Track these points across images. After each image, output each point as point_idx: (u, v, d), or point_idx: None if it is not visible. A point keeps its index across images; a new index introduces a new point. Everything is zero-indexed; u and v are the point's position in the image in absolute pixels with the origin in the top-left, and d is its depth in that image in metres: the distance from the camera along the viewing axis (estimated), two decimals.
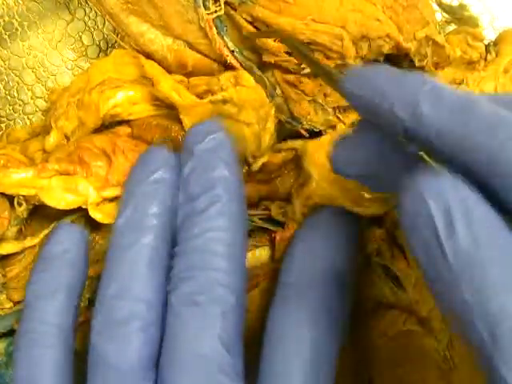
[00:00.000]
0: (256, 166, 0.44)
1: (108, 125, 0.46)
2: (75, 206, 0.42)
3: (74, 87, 0.47)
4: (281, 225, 0.47)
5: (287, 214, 0.46)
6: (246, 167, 0.44)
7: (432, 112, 0.27)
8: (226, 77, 0.43)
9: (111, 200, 0.42)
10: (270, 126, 0.43)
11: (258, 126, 0.43)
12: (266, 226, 0.47)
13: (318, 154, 0.44)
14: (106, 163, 0.42)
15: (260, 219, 0.48)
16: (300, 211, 0.45)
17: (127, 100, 0.44)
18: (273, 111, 0.44)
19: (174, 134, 0.43)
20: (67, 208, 0.42)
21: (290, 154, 0.46)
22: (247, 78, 0.43)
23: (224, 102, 0.42)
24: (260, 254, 0.47)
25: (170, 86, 0.42)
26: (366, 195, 0.41)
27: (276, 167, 0.45)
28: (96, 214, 0.42)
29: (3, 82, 0.54)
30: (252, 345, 0.47)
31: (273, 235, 0.48)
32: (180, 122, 0.43)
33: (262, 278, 0.47)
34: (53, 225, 0.44)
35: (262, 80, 0.44)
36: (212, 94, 0.42)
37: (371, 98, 0.30)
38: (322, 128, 0.46)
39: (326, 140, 0.44)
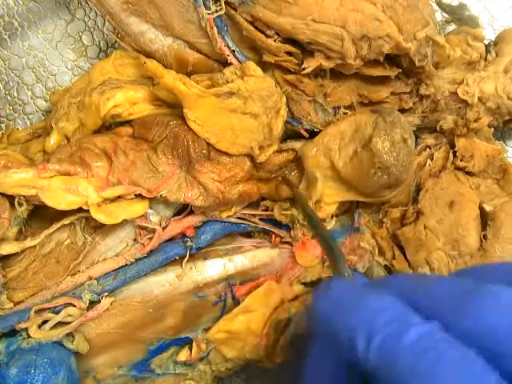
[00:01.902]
0: (263, 157, 0.44)
1: (109, 126, 0.46)
2: (75, 207, 0.42)
3: (75, 89, 0.47)
4: (282, 226, 0.47)
5: (296, 219, 0.46)
6: (250, 163, 0.44)
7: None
8: (231, 70, 0.43)
9: (112, 200, 0.42)
10: (283, 113, 0.43)
11: (266, 116, 0.43)
12: (267, 227, 0.47)
13: (318, 156, 0.44)
14: (107, 163, 0.42)
15: (260, 219, 0.48)
16: None
17: (127, 100, 0.44)
18: (284, 99, 0.44)
19: (175, 130, 0.43)
20: (67, 209, 0.42)
21: (290, 155, 0.46)
22: (254, 68, 0.43)
23: (230, 94, 0.42)
24: (261, 255, 0.47)
25: (174, 77, 0.41)
26: None
27: (277, 167, 0.45)
28: (98, 215, 0.42)
29: (3, 82, 0.54)
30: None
31: (274, 237, 0.48)
32: (182, 118, 0.43)
33: (264, 278, 0.47)
34: (53, 225, 0.44)
35: None
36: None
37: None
38: (322, 128, 0.46)
39: (320, 140, 0.45)
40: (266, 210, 0.47)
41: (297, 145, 0.46)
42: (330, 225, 0.46)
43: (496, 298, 0.27)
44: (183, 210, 0.46)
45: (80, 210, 0.42)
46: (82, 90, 0.46)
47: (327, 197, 0.45)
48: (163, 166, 0.43)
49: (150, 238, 0.44)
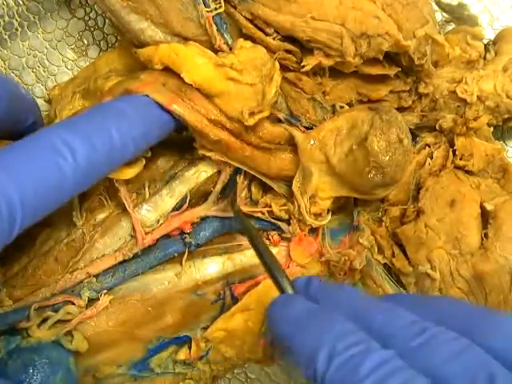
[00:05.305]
0: (252, 121, 0.42)
1: None
2: None
3: (79, 78, 0.47)
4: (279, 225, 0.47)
5: (293, 215, 0.46)
6: (237, 123, 0.42)
7: None
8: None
9: None
10: (277, 78, 0.43)
11: (262, 83, 0.42)
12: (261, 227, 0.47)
13: (313, 149, 0.44)
14: None
15: (259, 219, 0.47)
16: (307, 211, 0.45)
17: None
18: (277, 65, 0.43)
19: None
20: None
21: (286, 133, 0.45)
22: (243, 42, 0.42)
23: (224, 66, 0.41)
24: None
25: (168, 45, 0.41)
26: None
27: (272, 137, 0.44)
28: None
29: None
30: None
31: (272, 237, 0.48)
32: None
33: (262, 276, 0.47)
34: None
35: None
36: None
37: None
38: None
39: (316, 134, 0.44)
40: (266, 206, 0.47)
41: (291, 129, 0.45)
42: (326, 219, 0.46)
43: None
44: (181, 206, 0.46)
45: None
46: (87, 79, 0.47)
47: (322, 192, 0.45)
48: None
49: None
